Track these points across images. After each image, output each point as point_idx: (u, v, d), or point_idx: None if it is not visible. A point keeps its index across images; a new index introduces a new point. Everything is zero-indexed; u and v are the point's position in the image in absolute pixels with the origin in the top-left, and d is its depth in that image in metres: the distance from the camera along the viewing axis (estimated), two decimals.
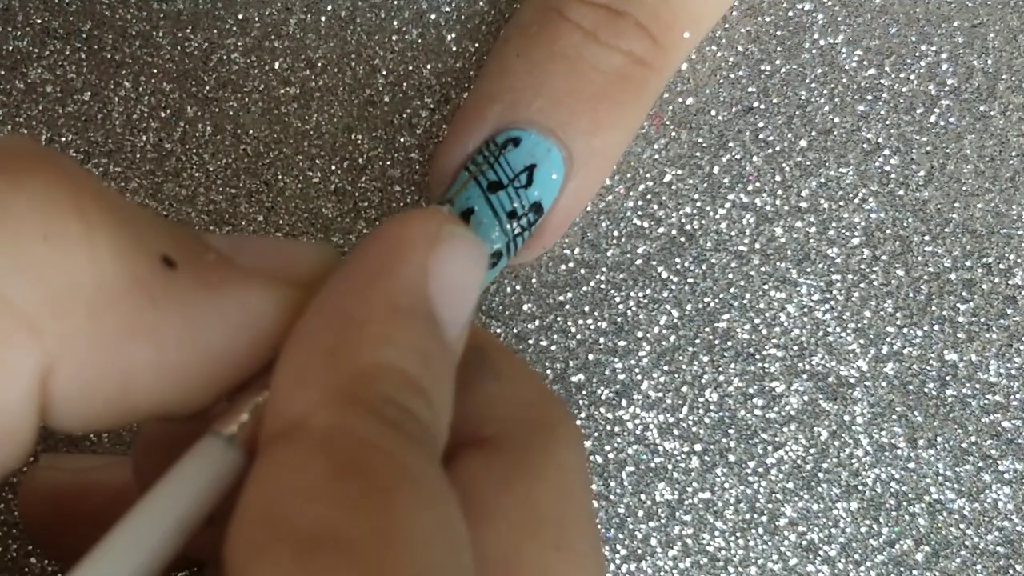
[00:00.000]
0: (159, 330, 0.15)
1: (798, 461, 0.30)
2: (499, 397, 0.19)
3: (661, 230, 0.31)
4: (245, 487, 0.14)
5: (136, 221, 0.16)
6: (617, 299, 0.30)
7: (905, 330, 0.30)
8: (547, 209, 0.27)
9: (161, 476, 0.16)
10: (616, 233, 0.30)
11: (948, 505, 0.30)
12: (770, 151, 0.31)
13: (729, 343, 0.30)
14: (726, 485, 0.30)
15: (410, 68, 0.31)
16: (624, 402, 0.30)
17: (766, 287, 0.30)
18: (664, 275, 0.30)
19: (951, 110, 0.31)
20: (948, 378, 0.30)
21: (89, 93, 0.30)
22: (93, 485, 0.25)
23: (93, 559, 0.14)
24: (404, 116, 0.31)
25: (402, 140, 0.31)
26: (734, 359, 0.30)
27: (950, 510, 0.30)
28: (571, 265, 0.30)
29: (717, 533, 0.30)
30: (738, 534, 0.30)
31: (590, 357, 0.30)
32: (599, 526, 0.30)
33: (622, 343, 0.30)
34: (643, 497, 0.30)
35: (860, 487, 0.30)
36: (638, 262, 0.30)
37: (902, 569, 0.30)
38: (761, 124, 0.31)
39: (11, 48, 0.31)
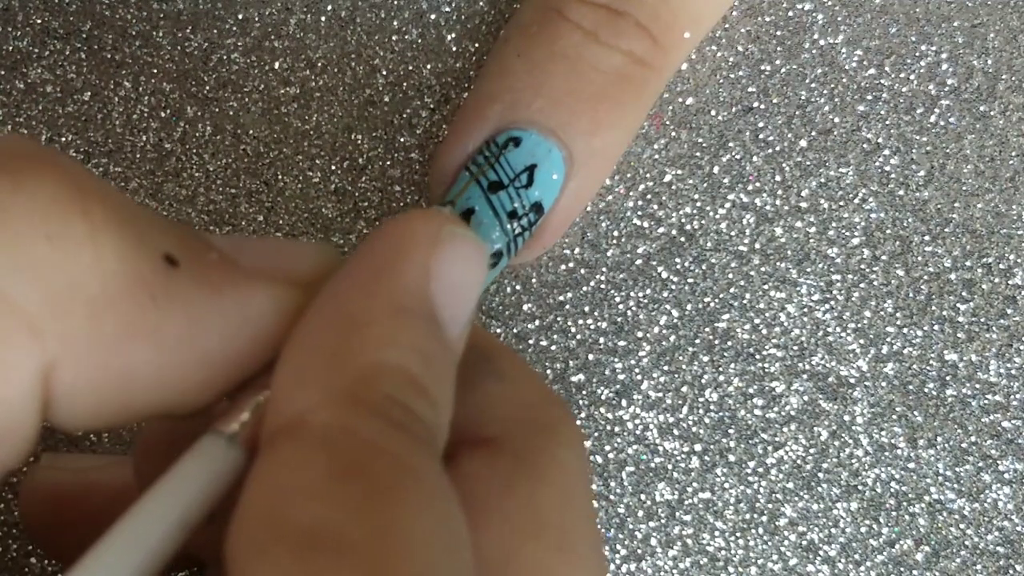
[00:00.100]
0: (160, 330, 0.15)
1: (798, 461, 0.30)
2: (501, 397, 0.19)
3: (661, 230, 0.31)
4: (246, 486, 0.14)
5: (139, 220, 0.16)
6: (617, 299, 0.30)
7: (905, 330, 0.30)
8: (547, 209, 0.27)
9: (162, 475, 0.16)
10: (616, 233, 0.30)
11: (948, 505, 0.30)
12: (770, 151, 0.31)
13: (729, 343, 0.30)
14: (726, 485, 0.30)
15: (410, 68, 0.31)
16: (624, 402, 0.30)
17: (766, 287, 0.30)
18: (664, 275, 0.30)
19: (951, 110, 0.31)
20: (948, 378, 0.30)
21: (89, 93, 0.30)
22: (93, 485, 0.25)
23: (93, 557, 0.14)
24: (404, 116, 0.31)
25: (402, 140, 0.31)
26: (734, 359, 0.30)
27: (950, 510, 0.30)
28: (571, 265, 0.30)
29: (717, 533, 0.30)
30: (738, 534, 0.30)
31: (590, 357, 0.30)
32: (599, 526, 0.30)
33: (622, 343, 0.30)
34: (643, 497, 0.30)
35: (860, 487, 0.30)
36: (638, 262, 0.30)
37: (902, 569, 0.30)
38: (761, 124, 0.31)
39: (11, 48, 0.31)
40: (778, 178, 0.31)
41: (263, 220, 0.30)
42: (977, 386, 0.30)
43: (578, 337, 0.30)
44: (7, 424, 0.15)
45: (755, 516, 0.30)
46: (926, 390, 0.30)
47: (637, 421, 0.30)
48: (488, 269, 0.25)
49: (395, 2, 0.31)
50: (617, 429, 0.30)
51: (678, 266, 0.30)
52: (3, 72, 0.30)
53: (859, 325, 0.30)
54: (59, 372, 0.15)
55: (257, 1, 0.31)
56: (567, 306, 0.30)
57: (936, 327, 0.30)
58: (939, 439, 0.30)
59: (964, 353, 0.30)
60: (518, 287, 0.30)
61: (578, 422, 0.30)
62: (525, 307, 0.30)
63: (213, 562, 0.20)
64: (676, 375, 0.30)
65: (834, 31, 0.31)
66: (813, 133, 0.31)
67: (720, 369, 0.30)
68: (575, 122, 0.27)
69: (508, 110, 0.27)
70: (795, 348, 0.30)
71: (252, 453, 0.16)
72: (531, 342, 0.30)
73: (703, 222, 0.31)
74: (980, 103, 0.31)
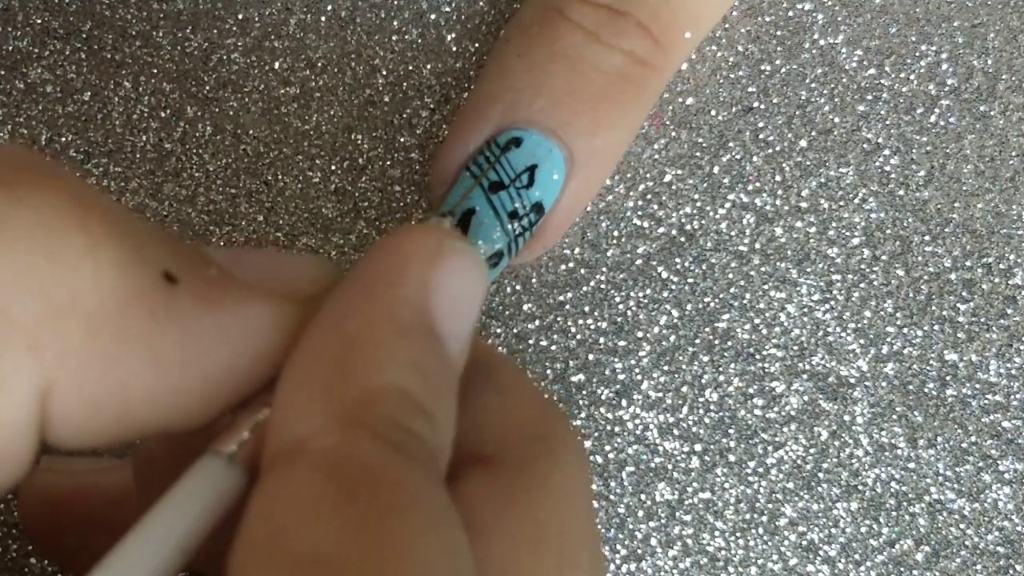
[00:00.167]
0: (159, 347, 0.15)
1: (798, 461, 0.30)
2: (500, 412, 0.19)
3: (661, 230, 0.31)
4: (247, 510, 0.14)
5: (139, 235, 0.16)
6: (617, 299, 0.30)
7: (905, 330, 0.30)
8: (548, 209, 0.27)
9: (161, 495, 0.15)
10: (616, 233, 0.30)
11: (948, 505, 0.30)
12: (770, 151, 0.31)
13: (729, 343, 0.30)
14: (726, 485, 0.30)
15: (410, 68, 0.31)
16: (624, 402, 0.30)
17: (766, 287, 0.30)
18: (664, 275, 0.30)
19: (951, 110, 0.31)
20: (948, 378, 0.30)
21: (89, 93, 0.30)
22: (92, 488, 0.25)
23: None
24: (404, 116, 0.31)
25: (402, 140, 0.31)
26: (734, 359, 0.30)
27: (950, 510, 0.30)
28: (571, 265, 0.30)
29: (717, 533, 0.30)
30: (738, 534, 0.30)
31: (590, 357, 0.30)
32: (599, 526, 0.30)
33: (622, 343, 0.30)
34: (643, 497, 0.30)
35: (860, 487, 0.30)
36: (638, 262, 0.30)
37: (902, 569, 0.30)
38: (761, 124, 0.31)
39: (11, 48, 0.30)
40: (778, 178, 0.31)
41: (263, 220, 0.30)
42: (977, 386, 0.30)
43: (578, 337, 0.30)
44: (5, 442, 0.14)
45: (755, 516, 0.30)
46: (926, 390, 0.30)
47: (637, 421, 0.30)
48: (488, 284, 0.25)
49: (395, 2, 0.31)
50: (617, 429, 0.30)
51: (678, 266, 0.30)
52: (3, 72, 0.30)
53: (859, 325, 0.30)
54: (57, 388, 0.15)
55: (257, 1, 0.31)
56: (567, 306, 0.30)
57: (936, 327, 0.30)
58: (939, 439, 0.30)
59: (964, 353, 0.30)
60: (518, 287, 0.30)
61: (578, 422, 0.30)
62: (525, 307, 0.30)
63: (212, 573, 0.20)
64: (676, 375, 0.30)
65: (834, 31, 0.31)
66: (813, 133, 0.31)
67: (720, 369, 0.30)
68: (576, 122, 0.27)
69: (509, 110, 0.27)
70: (795, 348, 0.30)
71: (252, 472, 0.16)
72: (531, 342, 0.30)
73: (703, 222, 0.31)
74: (980, 103, 0.31)
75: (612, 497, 0.30)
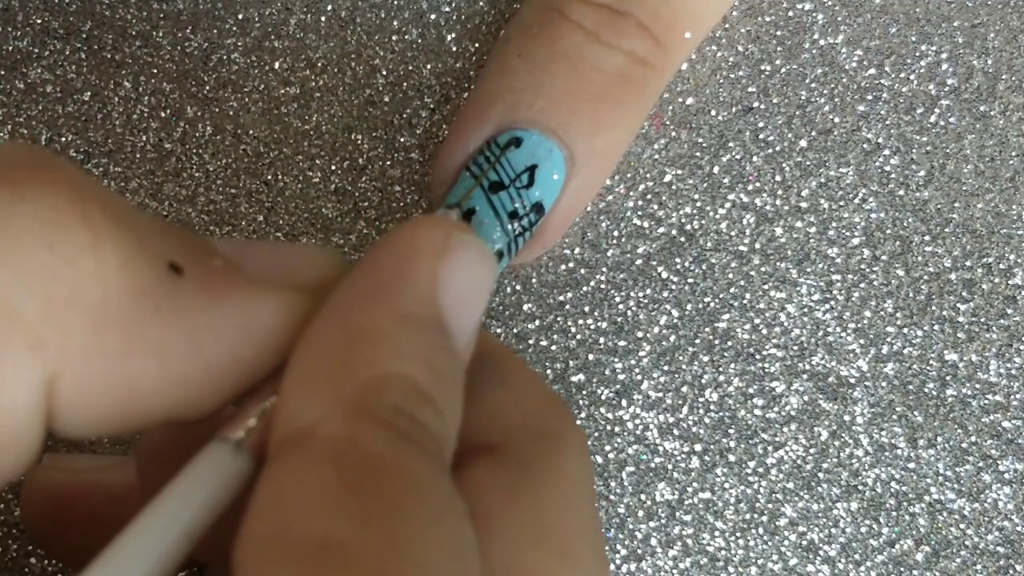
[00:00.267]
0: (163, 339, 0.15)
1: (798, 461, 0.30)
2: (505, 404, 0.19)
3: (661, 230, 0.31)
4: (253, 497, 0.14)
5: (142, 228, 0.16)
6: (617, 299, 0.30)
7: (905, 330, 0.30)
8: (548, 209, 0.27)
9: (168, 481, 0.16)
10: (616, 233, 0.30)
11: (948, 505, 0.30)
12: (770, 151, 0.31)
13: (729, 343, 0.30)
14: (726, 485, 0.30)
15: (410, 68, 0.31)
16: (624, 402, 0.30)
17: (766, 287, 0.30)
18: (664, 275, 0.30)
19: (951, 110, 0.31)
20: (948, 378, 0.30)
21: (89, 93, 0.30)
22: (93, 485, 0.25)
23: (101, 565, 0.14)
24: (404, 116, 0.31)
25: (402, 140, 0.31)
26: (734, 359, 0.30)
27: (950, 510, 0.30)
28: (571, 265, 0.30)
29: (717, 533, 0.30)
30: (738, 534, 0.30)
31: (590, 357, 0.30)
32: None
33: (622, 343, 0.30)
34: (643, 497, 0.30)
35: (860, 487, 0.30)
36: (638, 262, 0.30)
37: (902, 569, 0.30)
38: (761, 124, 0.31)
39: (11, 48, 0.31)
40: (778, 178, 0.31)
41: (263, 220, 0.30)
42: (977, 386, 0.30)
43: (578, 337, 0.30)
44: (11, 433, 0.15)
45: (755, 516, 0.30)
46: (926, 390, 0.30)
47: (637, 421, 0.30)
48: (496, 276, 0.25)
49: (395, 2, 0.31)
50: (617, 429, 0.30)
51: (678, 266, 0.30)
52: (3, 72, 0.30)
53: (859, 325, 0.30)
54: (62, 382, 0.15)
55: (257, 1, 0.31)
56: (567, 306, 0.30)
57: (936, 327, 0.30)
58: (939, 439, 0.30)
59: (964, 353, 0.30)
60: (518, 287, 0.30)
61: (578, 422, 0.30)
62: (525, 307, 0.30)
63: (213, 563, 0.20)
64: (676, 375, 0.30)
65: (834, 31, 0.31)
66: (813, 133, 0.31)
67: (720, 369, 0.30)
68: (576, 122, 0.27)
69: (509, 110, 0.27)
70: (795, 348, 0.30)
71: (259, 459, 0.16)
72: (531, 342, 0.30)
73: (703, 222, 0.31)
74: (980, 103, 0.31)
75: (612, 497, 0.30)
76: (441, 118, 0.31)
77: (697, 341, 0.30)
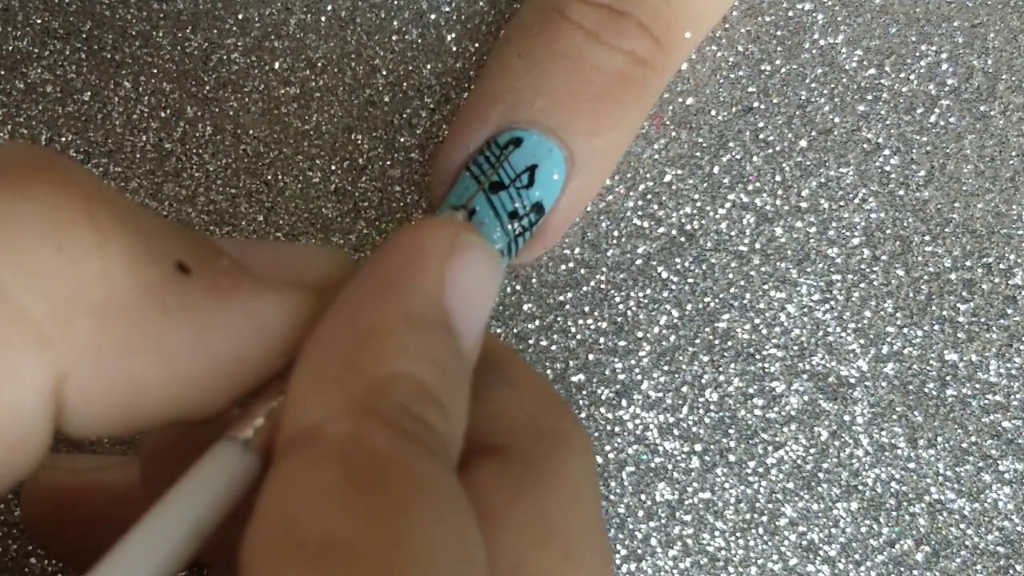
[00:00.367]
0: (170, 338, 0.15)
1: (798, 461, 0.30)
2: (510, 405, 0.19)
3: (661, 230, 0.31)
4: (260, 496, 0.14)
5: (148, 227, 0.16)
6: (617, 299, 0.30)
7: (905, 330, 0.30)
8: (548, 209, 0.27)
9: (177, 480, 0.16)
10: (616, 233, 0.30)
11: (948, 505, 0.30)
12: (770, 151, 0.31)
13: (729, 343, 0.30)
14: (726, 485, 0.30)
15: (410, 68, 0.31)
16: (624, 402, 0.30)
17: (766, 287, 0.30)
18: (664, 275, 0.30)
19: (951, 110, 0.31)
20: (948, 378, 0.30)
21: (89, 93, 0.30)
22: (94, 485, 0.25)
23: (111, 561, 0.14)
24: (404, 116, 0.31)
25: (402, 140, 0.31)
26: (734, 359, 0.30)
27: (950, 510, 0.30)
28: (571, 265, 0.30)
29: (717, 533, 0.30)
30: (738, 534, 0.30)
31: (590, 357, 0.30)
32: None
33: (622, 343, 0.30)
34: (643, 497, 0.30)
35: (860, 487, 0.30)
36: (638, 262, 0.30)
37: (902, 569, 0.30)
38: (761, 124, 0.31)
39: (11, 48, 0.31)
40: (778, 178, 0.31)
41: (263, 220, 0.30)
42: (977, 386, 0.30)
43: (578, 337, 0.30)
44: (19, 433, 0.15)
45: (755, 516, 0.30)
46: (926, 390, 0.30)
47: (637, 421, 0.30)
48: (502, 276, 0.25)
49: (395, 2, 0.31)
50: (617, 429, 0.30)
51: (678, 266, 0.30)
52: (3, 72, 0.30)
53: (859, 325, 0.30)
54: (69, 381, 0.15)
55: (257, 1, 0.31)
56: (567, 306, 0.30)
57: (936, 327, 0.30)
58: (939, 439, 0.30)
59: (964, 353, 0.30)
60: (518, 287, 0.30)
61: None
62: (525, 307, 0.30)
63: (216, 563, 0.20)
64: (676, 375, 0.30)
65: (834, 31, 0.31)
66: (813, 133, 0.31)
67: (720, 369, 0.30)
68: (576, 122, 0.27)
69: (509, 110, 0.27)
70: (795, 348, 0.30)
71: (266, 458, 0.16)
72: (531, 342, 0.30)
73: (703, 222, 0.31)
74: (980, 103, 0.31)
75: (612, 497, 0.30)
76: (441, 118, 0.31)
77: (697, 341, 0.30)
